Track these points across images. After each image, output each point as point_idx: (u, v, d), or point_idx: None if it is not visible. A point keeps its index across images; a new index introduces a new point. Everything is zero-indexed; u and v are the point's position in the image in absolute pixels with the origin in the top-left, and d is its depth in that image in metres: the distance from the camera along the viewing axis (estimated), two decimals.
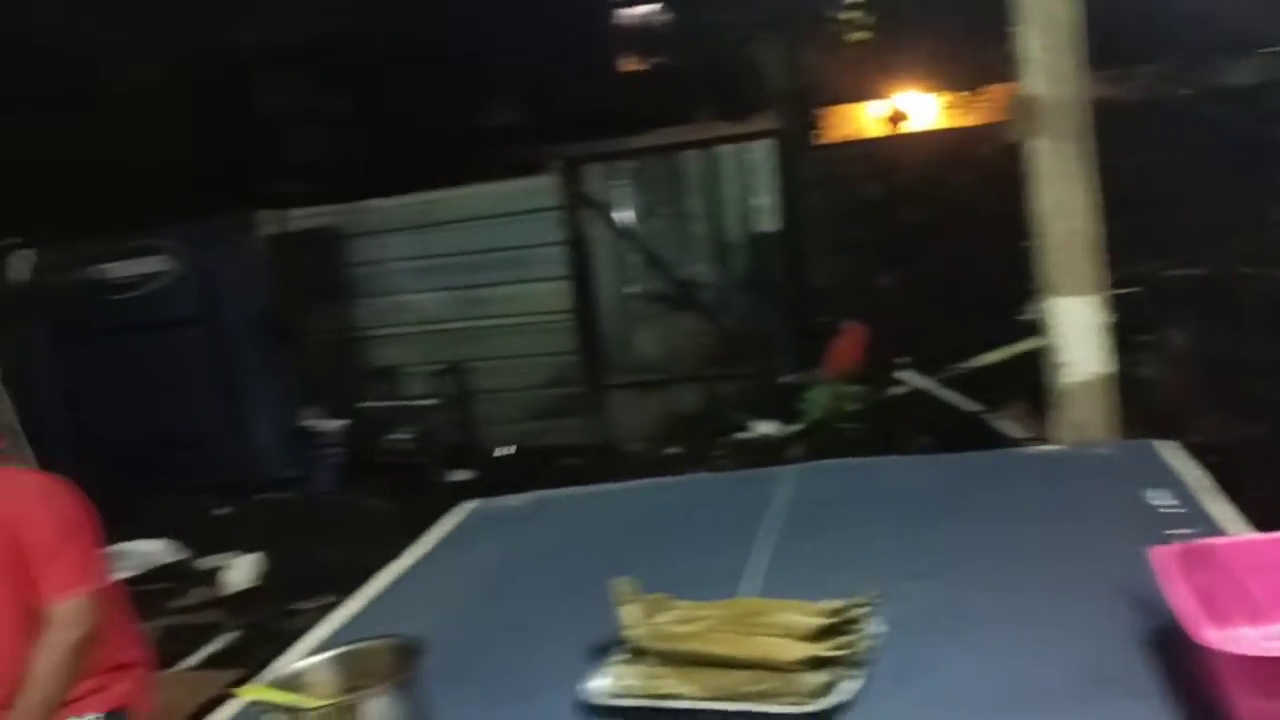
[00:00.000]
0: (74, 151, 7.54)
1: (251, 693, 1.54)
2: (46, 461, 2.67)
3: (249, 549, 5.31)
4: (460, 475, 6.93)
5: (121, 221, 6.81)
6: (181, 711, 2.86)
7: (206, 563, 4.90)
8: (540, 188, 7.63)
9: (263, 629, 4.18)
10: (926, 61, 7.20)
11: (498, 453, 7.36)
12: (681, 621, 1.51)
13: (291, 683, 1.52)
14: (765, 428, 6.75)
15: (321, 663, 1.59)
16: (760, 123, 7.52)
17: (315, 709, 1.44)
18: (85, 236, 6.78)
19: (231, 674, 3.17)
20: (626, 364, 8.09)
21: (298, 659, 1.69)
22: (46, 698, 2.35)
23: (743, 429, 6.89)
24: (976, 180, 6.60)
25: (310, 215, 7.45)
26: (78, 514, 2.52)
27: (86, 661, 2.45)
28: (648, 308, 8.31)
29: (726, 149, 8.20)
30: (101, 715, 2.48)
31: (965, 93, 7.31)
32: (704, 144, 8.03)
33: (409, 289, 7.66)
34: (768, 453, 6.17)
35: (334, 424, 6.92)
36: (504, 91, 7.96)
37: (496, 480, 6.18)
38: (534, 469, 6.70)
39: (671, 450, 7.00)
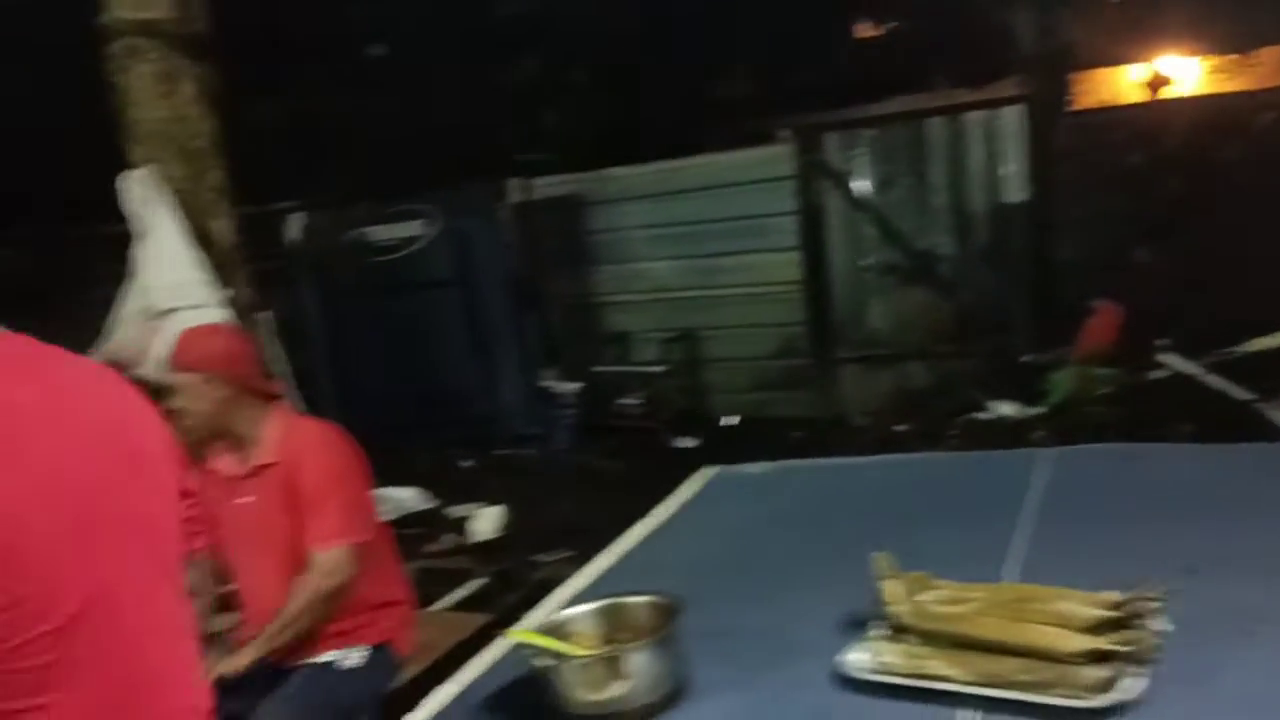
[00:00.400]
0: (346, 123, 8.14)
1: (522, 635, 1.63)
2: (313, 411, 2.87)
3: (491, 501, 5.61)
4: (686, 442, 7.03)
5: (386, 188, 7.28)
6: (439, 649, 3.04)
7: (455, 511, 5.22)
8: (776, 156, 7.56)
9: (507, 577, 4.41)
10: (1190, 22, 6.63)
11: (724, 421, 7.42)
12: (947, 602, 1.48)
13: (556, 630, 1.59)
14: (1005, 408, 6.47)
15: (584, 613, 1.66)
16: (1008, 88, 7.16)
17: (581, 657, 1.51)
18: (353, 202, 7.28)
19: (482, 618, 3.36)
20: (857, 337, 7.94)
21: (556, 608, 1.78)
22: (290, 633, 2.56)
23: (979, 409, 6.63)
24: (1247, 150, 6.06)
25: (555, 183, 7.70)
26: (350, 463, 2.71)
27: (335, 608, 2.63)
28: (881, 280, 8.12)
29: (973, 116, 7.86)
30: (369, 648, 2.69)
31: (1234, 55, 6.70)
32: (946, 111, 7.72)
33: (645, 256, 7.80)
34: (1006, 434, 5.93)
35: (570, 386, 7.17)
36: (741, 60, 7.95)
37: (722, 449, 6.26)
38: (760, 439, 6.71)
39: (901, 427, 6.83)
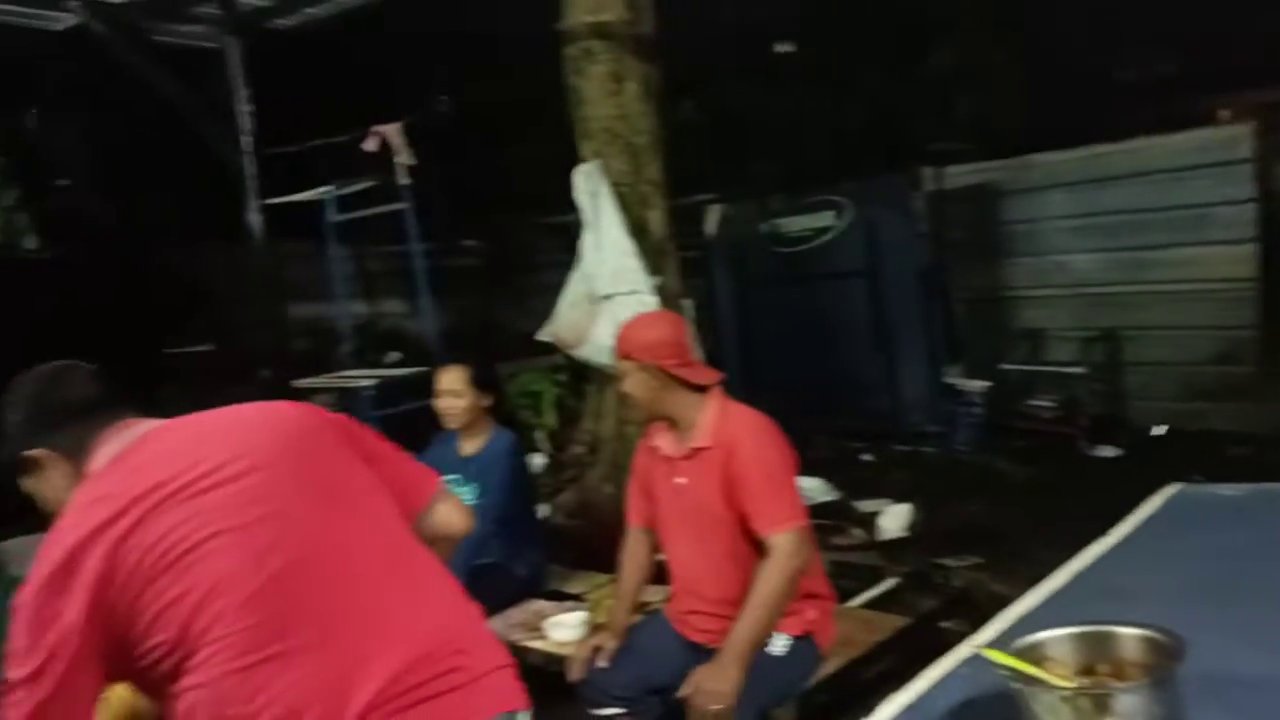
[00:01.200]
0: (760, 118, 8.38)
1: (999, 656, 1.56)
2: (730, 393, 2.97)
3: (890, 496, 5.54)
4: (1106, 451, 6.52)
5: (800, 180, 7.40)
6: (858, 645, 3.06)
7: (864, 506, 5.21)
8: (1225, 139, 6.77)
9: (919, 579, 4.33)
10: None
11: (1154, 431, 6.79)
12: None
13: (1031, 653, 1.51)
14: None
15: (1061, 638, 1.54)
16: None
17: (1067, 688, 1.43)
18: (768, 193, 7.47)
19: (900, 619, 3.32)
20: None
21: (1006, 624, 1.70)
22: (766, 617, 2.64)
23: None
24: None
25: (968, 171, 7.43)
26: (786, 450, 2.80)
27: (796, 590, 2.72)
28: None
29: None
30: (792, 637, 2.75)
31: None
32: None
33: (1064, 249, 7.30)
34: None
35: (976, 383, 6.90)
36: (1171, 38, 7.21)
37: (1148, 462, 5.73)
38: (1193, 454, 6.05)
39: None
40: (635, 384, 2.82)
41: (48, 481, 1.63)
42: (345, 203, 6.54)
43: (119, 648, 1.47)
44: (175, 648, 1.46)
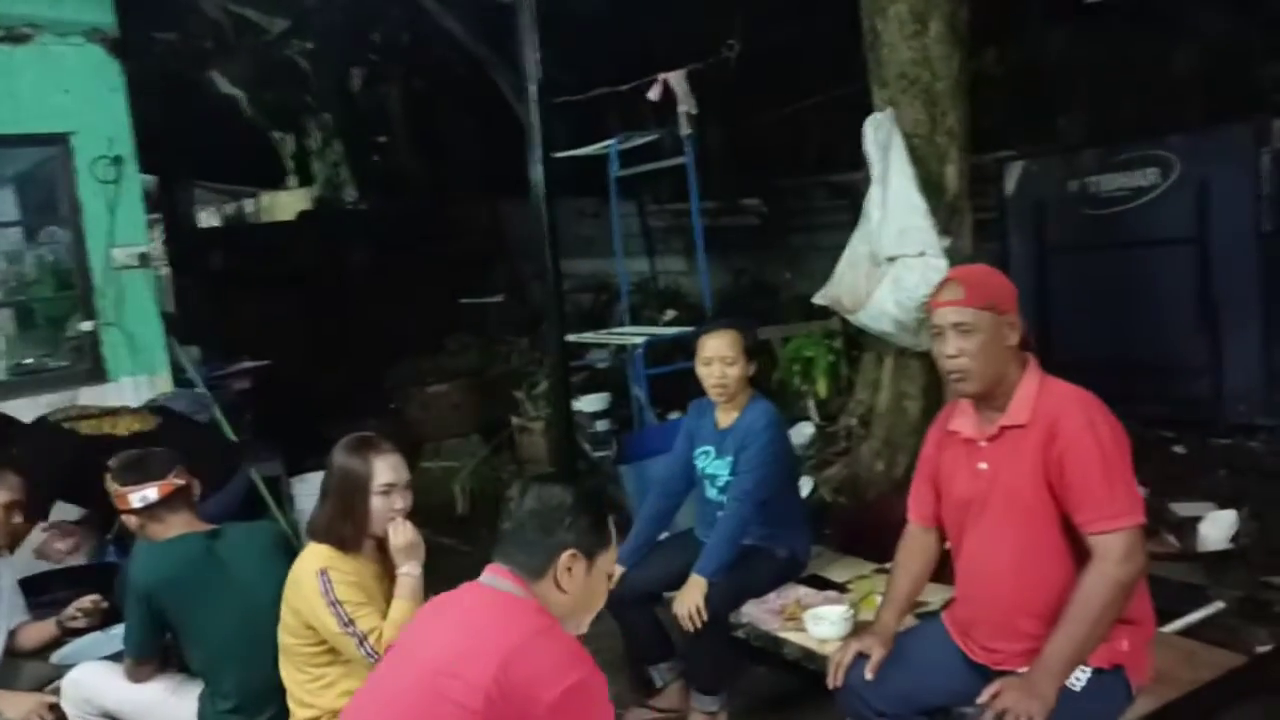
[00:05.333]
0: (1069, 66, 7.56)
1: None
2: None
3: (1208, 498, 4.81)
4: None
5: (1116, 133, 6.59)
6: (1176, 684, 2.57)
7: (1182, 509, 4.52)
8: None
9: (1248, 604, 3.68)
10: None
11: None
12: None
13: None
14: None
15: None
16: None
17: None
18: (1078, 149, 6.70)
19: (1233, 657, 2.76)
20: None
21: None
22: (1090, 633, 2.24)
23: None
24: None
25: None
26: (1120, 433, 2.36)
27: (1128, 602, 2.28)
28: None
29: None
30: (1096, 669, 2.31)
31: None
32: None
33: None
34: None
35: None
36: None
37: None
38: None
39: None
40: (986, 342, 2.38)
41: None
42: (628, 157, 6.46)
43: None
44: None
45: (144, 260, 5.53)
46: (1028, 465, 2.35)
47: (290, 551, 2.98)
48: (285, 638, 2.75)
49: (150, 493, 2.95)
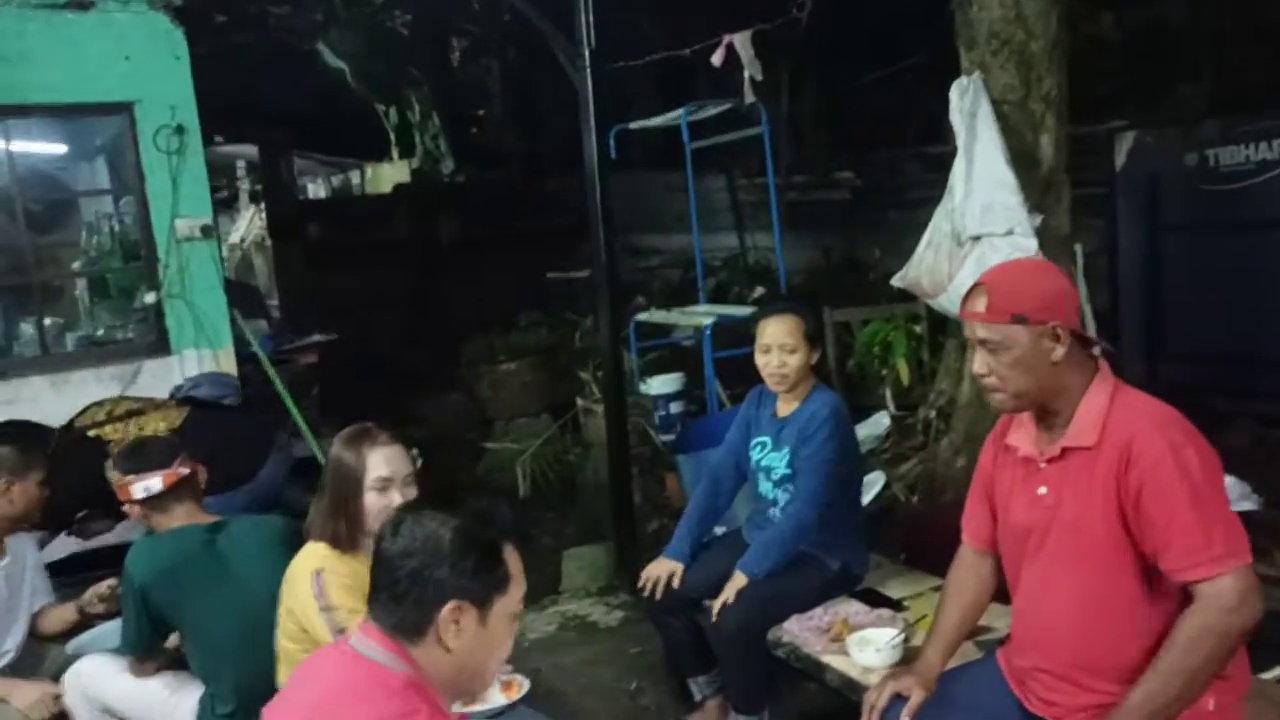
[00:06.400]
0: (1193, 31, 6.94)
1: None
2: (1117, 370, 2.14)
3: None
4: None
5: (1245, 102, 5.99)
6: None
7: None
8: None
9: None
10: None
11: None
12: None
13: None
14: None
15: None
16: None
17: None
18: (1199, 119, 6.11)
19: None
20: None
21: None
22: (1180, 690, 1.89)
23: None
24: None
25: None
26: (1210, 457, 1.97)
27: (1230, 656, 1.93)
28: None
29: None
30: None
31: None
32: None
33: None
34: None
35: None
36: None
37: None
38: None
39: None
40: (1021, 357, 2.04)
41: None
42: (699, 128, 6.15)
43: None
44: None
45: (206, 232, 5.47)
46: (1097, 495, 1.99)
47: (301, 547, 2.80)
48: (283, 641, 2.58)
49: (154, 482, 2.81)
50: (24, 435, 3.36)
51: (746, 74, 4.82)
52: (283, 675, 2.59)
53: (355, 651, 1.60)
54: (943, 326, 5.41)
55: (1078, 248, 4.79)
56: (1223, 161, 5.77)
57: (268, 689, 2.62)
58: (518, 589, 1.65)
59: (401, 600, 1.57)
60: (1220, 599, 1.85)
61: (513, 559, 1.64)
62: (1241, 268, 5.76)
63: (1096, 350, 2.14)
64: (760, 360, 3.26)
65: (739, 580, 3.04)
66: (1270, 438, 5.64)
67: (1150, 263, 6.21)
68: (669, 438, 5.75)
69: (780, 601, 3.09)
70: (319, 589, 2.46)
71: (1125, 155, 6.27)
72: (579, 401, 6.38)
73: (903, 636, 2.75)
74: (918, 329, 5.75)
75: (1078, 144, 4.78)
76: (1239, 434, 5.41)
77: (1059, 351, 2.03)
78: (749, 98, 5.00)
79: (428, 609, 1.56)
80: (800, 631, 2.98)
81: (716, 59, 4.78)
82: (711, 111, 5.84)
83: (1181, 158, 5.95)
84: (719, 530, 3.93)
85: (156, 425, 3.90)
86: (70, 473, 3.57)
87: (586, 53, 4.16)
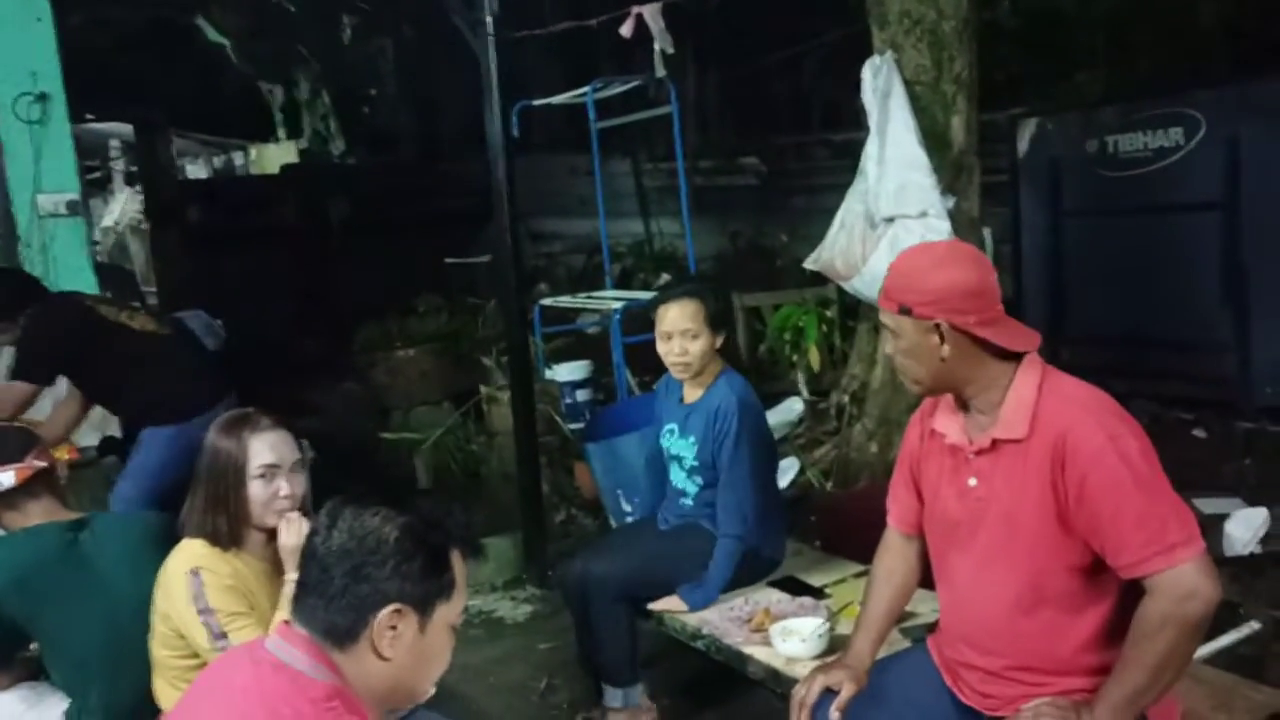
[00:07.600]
0: (1090, 17, 7.05)
1: None
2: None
3: (1233, 491, 4.37)
4: None
5: (1141, 89, 6.10)
6: None
7: (1204, 505, 4.04)
8: None
9: None
10: None
11: None
12: None
13: None
14: None
15: None
16: None
17: None
18: (1098, 106, 6.20)
19: (1272, 694, 2.32)
20: None
21: None
22: (1151, 682, 1.80)
23: None
24: None
25: None
26: (1146, 443, 1.88)
27: (1198, 643, 1.85)
28: None
29: None
30: None
31: None
32: None
33: None
34: None
35: None
36: None
37: None
38: None
39: None
40: (910, 348, 1.96)
41: None
42: (604, 109, 5.97)
43: None
44: None
45: (73, 208, 5.07)
46: (1031, 489, 1.90)
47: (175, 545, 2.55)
48: (157, 649, 2.34)
49: (6, 477, 2.52)
50: None
51: (657, 47, 4.68)
52: (159, 687, 2.36)
53: (273, 657, 1.43)
54: (854, 311, 5.37)
55: (987, 232, 4.79)
56: (1122, 148, 5.85)
57: (140, 703, 2.39)
58: (460, 598, 1.52)
59: (334, 601, 1.43)
60: (1179, 588, 1.77)
61: (459, 566, 1.52)
62: (1139, 252, 5.86)
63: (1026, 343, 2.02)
64: (662, 348, 3.13)
65: (679, 605, 3.00)
66: (1166, 417, 5.77)
67: (1052, 248, 6.29)
68: (576, 426, 5.59)
69: (667, 572, 3.06)
70: (196, 591, 2.25)
71: (1028, 142, 6.33)
72: (482, 389, 6.16)
73: (828, 625, 2.65)
74: (829, 313, 5.71)
75: (982, 131, 4.77)
76: (1137, 414, 5.44)
77: (944, 350, 1.93)
78: (660, 71, 4.85)
79: (363, 612, 1.43)
80: (721, 622, 2.86)
81: (626, 30, 4.62)
82: (620, 88, 5.69)
83: (1082, 144, 6.03)
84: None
85: (145, 324, 3.92)
86: (55, 326, 3.79)
87: (489, 19, 3.95)
